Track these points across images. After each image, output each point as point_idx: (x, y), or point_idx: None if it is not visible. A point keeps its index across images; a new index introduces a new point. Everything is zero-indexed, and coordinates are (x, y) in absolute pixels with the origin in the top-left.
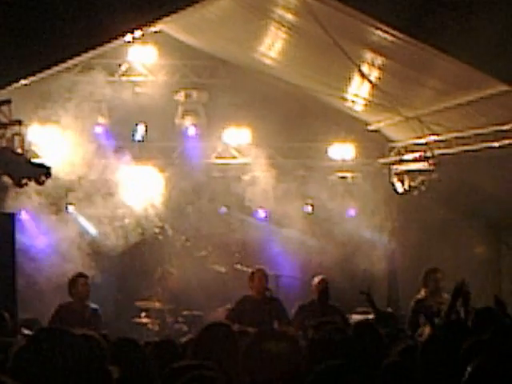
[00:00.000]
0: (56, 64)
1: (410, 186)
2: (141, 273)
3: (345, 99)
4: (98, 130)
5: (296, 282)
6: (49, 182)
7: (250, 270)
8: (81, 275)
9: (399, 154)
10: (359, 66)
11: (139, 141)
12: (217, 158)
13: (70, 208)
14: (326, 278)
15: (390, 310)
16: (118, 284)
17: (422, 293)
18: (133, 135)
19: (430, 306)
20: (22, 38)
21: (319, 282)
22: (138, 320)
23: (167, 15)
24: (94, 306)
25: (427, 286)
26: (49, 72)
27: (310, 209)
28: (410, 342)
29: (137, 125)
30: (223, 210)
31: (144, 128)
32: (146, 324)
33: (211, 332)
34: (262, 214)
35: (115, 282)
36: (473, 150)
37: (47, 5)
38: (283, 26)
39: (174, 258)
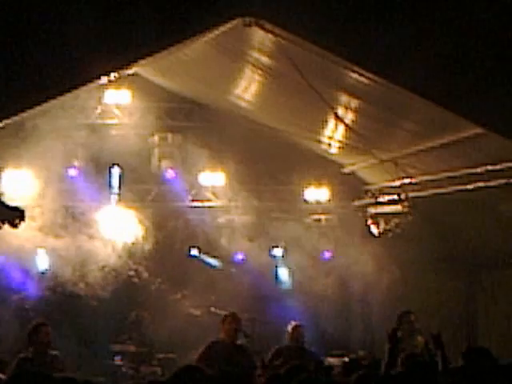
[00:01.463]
0: (31, 107)
1: (384, 229)
2: (116, 316)
3: (320, 142)
4: (73, 172)
5: (271, 326)
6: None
7: (227, 313)
8: (43, 324)
9: (374, 196)
10: (334, 109)
11: (113, 187)
12: (192, 200)
13: (41, 252)
14: (300, 325)
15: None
16: (93, 327)
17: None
18: (109, 178)
19: (404, 349)
20: None
21: (293, 328)
22: (112, 363)
23: (142, 58)
24: (53, 352)
25: (401, 328)
26: (23, 115)
27: (284, 252)
28: None
29: (111, 168)
30: (198, 253)
31: (119, 171)
32: (120, 367)
33: (184, 375)
34: (238, 256)
35: (90, 325)
36: (447, 193)
37: (20, 49)
38: (259, 68)
39: (148, 300)
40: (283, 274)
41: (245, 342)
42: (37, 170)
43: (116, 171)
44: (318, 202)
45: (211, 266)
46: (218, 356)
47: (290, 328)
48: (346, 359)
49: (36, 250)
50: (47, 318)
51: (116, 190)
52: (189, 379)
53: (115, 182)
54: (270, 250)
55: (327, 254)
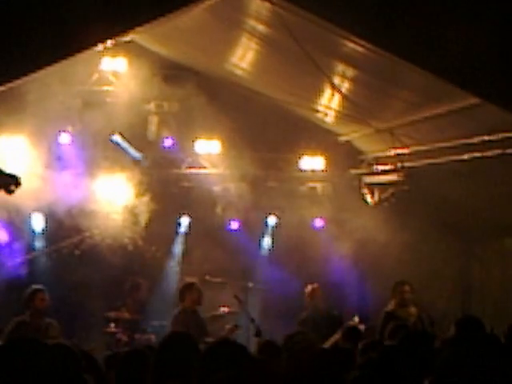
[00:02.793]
0: (26, 74)
1: (380, 198)
2: (111, 283)
3: (316, 111)
4: (66, 139)
5: (265, 294)
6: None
7: (219, 281)
8: (40, 290)
9: (369, 165)
10: (330, 78)
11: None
12: (187, 168)
13: (38, 218)
14: (317, 287)
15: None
16: (88, 293)
17: (391, 305)
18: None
19: (398, 318)
20: None
21: (311, 293)
22: (106, 330)
23: (139, 25)
24: (48, 319)
25: (395, 298)
26: (18, 82)
27: (278, 220)
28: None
29: (111, 135)
30: (194, 220)
31: (120, 137)
32: (114, 334)
33: (173, 341)
34: (234, 224)
35: (85, 292)
36: (442, 163)
37: (16, 15)
38: (255, 36)
39: (143, 268)
40: (277, 241)
41: (239, 310)
42: (31, 137)
43: (117, 139)
44: (314, 171)
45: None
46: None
47: (307, 292)
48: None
49: (30, 213)
50: (39, 283)
51: (111, 157)
52: (177, 345)
53: (116, 149)
54: (265, 218)
55: (321, 222)
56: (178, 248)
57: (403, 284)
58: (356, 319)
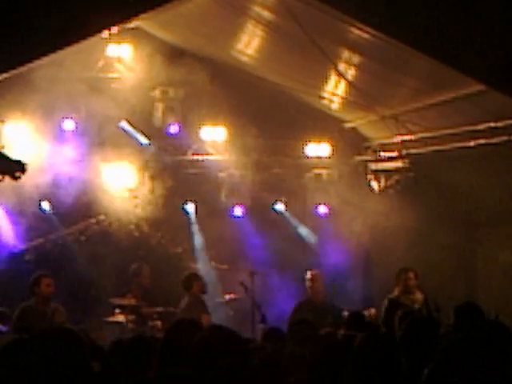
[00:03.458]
0: (31, 60)
1: (385, 185)
2: (116, 269)
3: (321, 97)
4: (71, 125)
5: (271, 280)
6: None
7: (225, 267)
8: (45, 275)
9: (375, 152)
10: (336, 65)
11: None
12: (193, 155)
13: (44, 205)
14: (318, 273)
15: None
16: (93, 280)
17: (395, 292)
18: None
19: (402, 305)
20: None
21: (312, 279)
22: (112, 316)
23: (144, 12)
24: (54, 304)
25: (400, 285)
26: (24, 68)
27: (284, 206)
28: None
29: (119, 122)
30: (199, 206)
31: (127, 124)
32: (120, 321)
33: (181, 328)
34: (238, 211)
35: (90, 278)
36: (448, 150)
37: (22, 2)
38: (260, 23)
39: (149, 254)
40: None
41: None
42: (37, 124)
43: (123, 125)
44: (319, 158)
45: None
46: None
47: (308, 278)
48: (346, 313)
49: (36, 199)
50: (45, 269)
51: (116, 143)
52: (185, 332)
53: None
54: (272, 204)
55: (326, 209)
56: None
57: (407, 271)
58: (372, 311)
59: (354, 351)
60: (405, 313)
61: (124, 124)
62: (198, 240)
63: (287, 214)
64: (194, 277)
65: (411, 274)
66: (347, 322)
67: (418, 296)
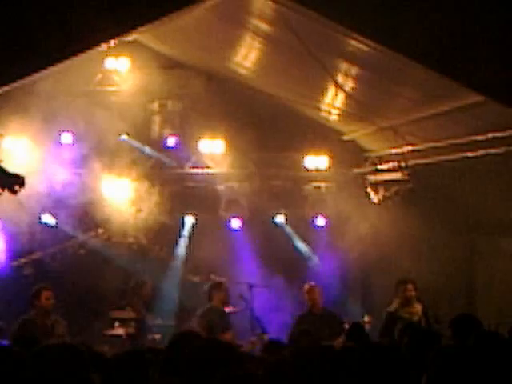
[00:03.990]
0: (30, 74)
1: (384, 197)
2: (115, 283)
3: (320, 109)
4: (69, 139)
5: (269, 292)
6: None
7: (224, 280)
8: (45, 288)
9: (374, 164)
10: (334, 76)
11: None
12: (191, 168)
13: (45, 218)
14: (314, 285)
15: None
16: (93, 293)
17: (394, 304)
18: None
19: (401, 318)
20: None
21: (308, 292)
22: (111, 330)
23: (142, 25)
24: (54, 317)
25: (399, 297)
26: (22, 82)
27: (282, 219)
28: None
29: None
30: (198, 219)
31: (127, 137)
32: (119, 334)
33: (181, 341)
34: (236, 223)
35: (89, 291)
36: (447, 160)
37: (20, 14)
38: (258, 35)
39: (147, 267)
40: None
41: (243, 307)
42: (35, 137)
43: (125, 138)
44: (318, 170)
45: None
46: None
47: (305, 291)
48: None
49: (35, 213)
50: (44, 282)
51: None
52: (186, 345)
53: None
54: (272, 217)
55: (325, 221)
56: (182, 247)
57: (406, 282)
58: (366, 318)
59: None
60: (405, 325)
61: (124, 137)
62: (182, 253)
63: (287, 227)
64: (216, 287)
65: (410, 286)
66: (347, 332)
67: (417, 308)
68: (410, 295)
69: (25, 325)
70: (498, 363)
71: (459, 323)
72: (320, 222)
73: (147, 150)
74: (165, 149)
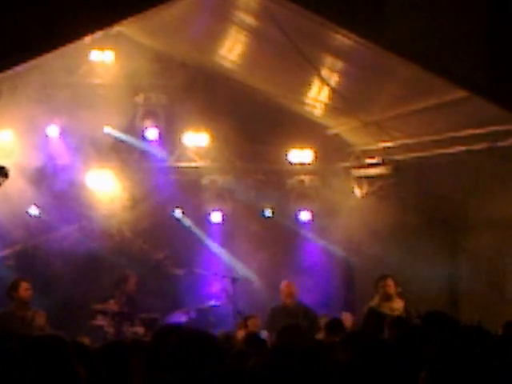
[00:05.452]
0: (14, 65)
1: (368, 191)
2: (98, 275)
3: (304, 103)
4: (55, 132)
5: (252, 285)
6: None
7: (207, 273)
8: (23, 279)
9: (358, 158)
10: (319, 71)
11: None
12: (175, 161)
13: (32, 209)
14: (291, 282)
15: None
16: (75, 285)
17: (376, 299)
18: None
19: (381, 313)
20: None
21: (286, 286)
22: (93, 322)
23: (127, 17)
24: (34, 308)
25: (379, 293)
26: (6, 74)
27: (268, 213)
28: None
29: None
30: (181, 213)
31: (111, 129)
32: (101, 326)
33: (165, 334)
34: (218, 216)
35: (72, 283)
36: (430, 156)
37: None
38: (243, 29)
39: (131, 260)
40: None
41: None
42: (20, 130)
43: (108, 130)
44: (302, 164)
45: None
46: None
47: (282, 286)
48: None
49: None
50: (29, 274)
51: (98, 149)
52: (170, 338)
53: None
54: (256, 211)
55: (309, 215)
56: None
57: (386, 278)
58: (348, 315)
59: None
60: (394, 321)
61: (108, 129)
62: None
63: (274, 220)
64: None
65: (390, 282)
66: (327, 328)
67: (399, 303)
68: (390, 291)
69: (3, 318)
70: (484, 357)
71: (430, 319)
72: (304, 215)
73: (132, 141)
74: (150, 141)
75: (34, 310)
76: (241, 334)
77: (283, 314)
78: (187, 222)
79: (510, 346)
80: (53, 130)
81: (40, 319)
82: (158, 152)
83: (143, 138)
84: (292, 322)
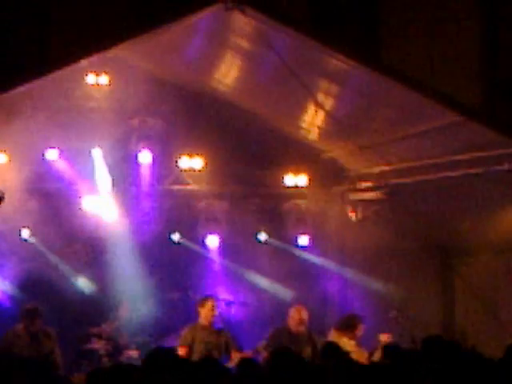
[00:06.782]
0: (10, 89)
1: (363, 215)
2: (93, 298)
3: (300, 127)
4: (53, 155)
5: (248, 308)
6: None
7: (201, 297)
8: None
9: (353, 182)
10: (314, 95)
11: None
12: (170, 184)
13: (25, 233)
14: (303, 307)
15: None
16: (70, 309)
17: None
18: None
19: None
20: None
21: (297, 312)
22: (88, 345)
23: (122, 42)
24: (45, 327)
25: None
26: (3, 97)
27: (264, 237)
28: None
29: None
30: (176, 237)
31: (100, 152)
32: (96, 350)
33: (157, 358)
34: (215, 241)
35: (66, 307)
36: (426, 180)
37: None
38: (239, 53)
39: (125, 283)
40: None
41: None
42: (15, 153)
43: (97, 153)
44: (297, 188)
45: (191, 252)
46: (199, 340)
47: (292, 312)
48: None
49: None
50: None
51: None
52: (161, 361)
53: (95, 164)
54: (255, 234)
55: (305, 239)
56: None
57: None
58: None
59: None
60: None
61: (96, 152)
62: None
63: (269, 244)
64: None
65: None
66: (322, 351)
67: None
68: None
69: (14, 337)
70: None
71: (429, 344)
72: (301, 240)
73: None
74: (143, 165)
75: (44, 331)
76: (235, 357)
77: (287, 338)
78: (183, 245)
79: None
80: (51, 154)
81: (49, 340)
82: (153, 175)
83: (138, 161)
84: (297, 348)
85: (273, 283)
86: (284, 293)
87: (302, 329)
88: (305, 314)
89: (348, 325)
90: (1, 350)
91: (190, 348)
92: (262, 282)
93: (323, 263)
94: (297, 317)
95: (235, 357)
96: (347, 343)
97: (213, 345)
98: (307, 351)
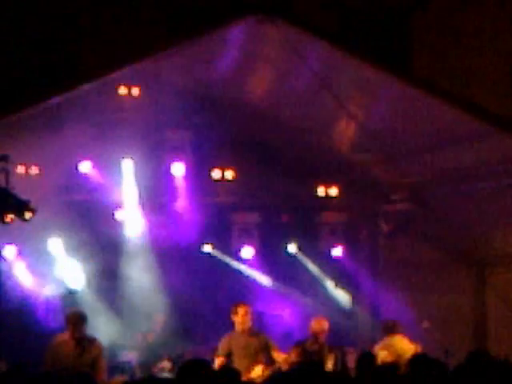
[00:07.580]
0: (42, 101)
1: (395, 226)
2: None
3: (332, 139)
4: (85, 167)
5: (279, 320)
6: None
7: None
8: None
9: (385, 193)
10: (346, 106)
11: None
12: (202, 196)
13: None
14: (323, 318)
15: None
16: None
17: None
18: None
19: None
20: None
21: (318, 323)
22: (121, 358)
23: (155, 54)
24: (91, 336)
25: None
26: (36, 109)
27: (295, 249)
28: None
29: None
30: (208, 248)
31: (131, 163)
32: (129, 362)
33: (191, 370)
34: (249, 253)
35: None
36: (459, 191)
37: (32, 46)
38: (270, 64)
39: (158, 294)
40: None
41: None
42: (48, 165)
43: (127, 165)
44: (329, 199)
45: (223, 264)
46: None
47: (313, 323)
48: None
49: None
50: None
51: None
52: (195, 373)
53: (125, 176)
54: (283, 247)
55: (338, 251)
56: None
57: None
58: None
59: None
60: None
61: (127, 163)
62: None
63: (300, 256)
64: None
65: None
66: (358, 362)
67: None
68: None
69: (59, 345)
70: None
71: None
72: (335, 251)
73: (157, 177)
74: (174, 177)
75: (89, 339)
76: (278, 357)
77: (308, 349)
78: (215, 256)
79: None
80: (85, 166)
81: (95, 349)
82: (184, 188)
83: (169, 174)
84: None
85: (305, 295)
86: (316, 305)
87: (322, 339)
88: (325, 325)
89: (394, 325)
90: (47, 360)
91: (229, 357)
92: (294, 293)
93: (355, 274)
94: (317, 327)
95: (278, 357)
96: (402, 340)
97: (253, 348)
98: (329, 362)
